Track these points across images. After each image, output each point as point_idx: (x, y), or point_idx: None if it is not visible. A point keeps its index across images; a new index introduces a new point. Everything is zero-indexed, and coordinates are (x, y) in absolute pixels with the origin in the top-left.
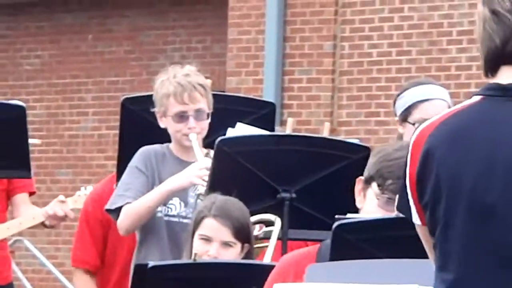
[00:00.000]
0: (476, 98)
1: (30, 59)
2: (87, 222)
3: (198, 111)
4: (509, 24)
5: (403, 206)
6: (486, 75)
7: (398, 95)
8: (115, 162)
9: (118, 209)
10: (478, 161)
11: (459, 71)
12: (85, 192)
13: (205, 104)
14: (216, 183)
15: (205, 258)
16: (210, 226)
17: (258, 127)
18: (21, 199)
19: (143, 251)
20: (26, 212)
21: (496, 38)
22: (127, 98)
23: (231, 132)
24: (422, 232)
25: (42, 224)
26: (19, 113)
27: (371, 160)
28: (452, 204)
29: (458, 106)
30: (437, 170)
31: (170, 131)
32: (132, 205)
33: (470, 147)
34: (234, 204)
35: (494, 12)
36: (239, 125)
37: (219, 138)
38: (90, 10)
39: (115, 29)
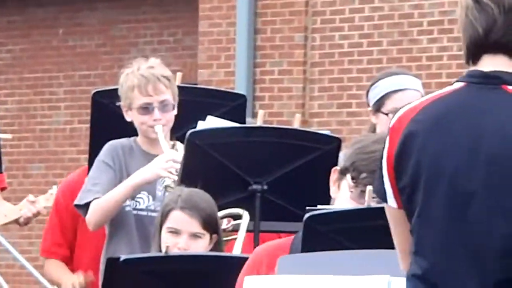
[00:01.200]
0: (459, 84)
1: (1, 53)
2: (58, 213)
3: (162, 103)
4: (491, 13)
5: (378, 189)
6: (467, 63)
7: (371, 85)
8: (87, 155)
9: (87, 205)
10: (460, 148)
11: (430, 61)
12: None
13: (170, 96)
14: (187, 176)
15: (175, 251)
16: (178, 218)
17: (229, 119)
18: None
19: (112, 245)
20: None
21: (478, 27)
22: (97, 92)
23: (201, 125)
24: (394, 215)
25: (16, 222)
26: None
27: (347, 151)
28: (431, 190)
29: (440, 92)
30: (417, 155)
31: (136, 123)
32: (100, 200)
33: (452, 133)
34: (200, 195)
35: (477, 1)
36: (209, 117)
37: (190, 131)
38: (61, 4)
39: (86, 23)
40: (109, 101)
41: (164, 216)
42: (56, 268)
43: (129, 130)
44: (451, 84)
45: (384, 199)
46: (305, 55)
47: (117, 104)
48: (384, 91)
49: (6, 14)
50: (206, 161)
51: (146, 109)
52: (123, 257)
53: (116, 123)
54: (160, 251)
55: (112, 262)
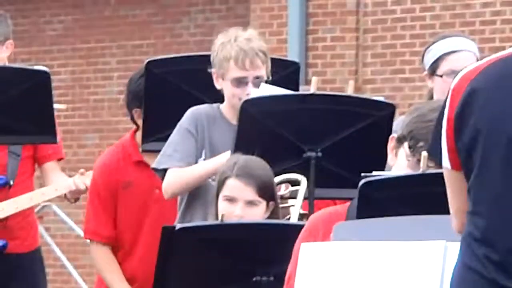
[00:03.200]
0: None
1: (53, 24)
2: (97, 192)
3: (257, 78)
4: None
5: (434, 150)
6: None
7: (426, 49)
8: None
9: (165, 170)
10: None
11: (484, 25)
12: None
13: (265, 71)
14: (242, 144)
15: (232, 218)
16: (234, 186)
17: (283, 87)
18: (51, 166)
19: (188, 216)
20: (55, 179)
21: None
22: (150, 61)
23: (255, 93)
24: (450, 176)
25: (65, 197)
26: (44, 78)
27: (406, 118)
28: (491, 149)
29: (502, 53)
30: (478, 114)
31: (226, 94)
32: (183, 171)
33: (510, 95)
34: (256, 163)
35: None
36: (263, 85)
37: (243, 99)
38: None
39: None
40: (162, 70)
41: (220, 184)
42: (104, 263)
43: (183, 99)
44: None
45: (439, 159)
46: (357, 22)
47: (209, 70)
48: (438, 53)
49: None
50: (260, 129)
51: (240, 82)
52: (178, 225)
53: (169, 93)
54: (217, 219)
55: (168, 231)
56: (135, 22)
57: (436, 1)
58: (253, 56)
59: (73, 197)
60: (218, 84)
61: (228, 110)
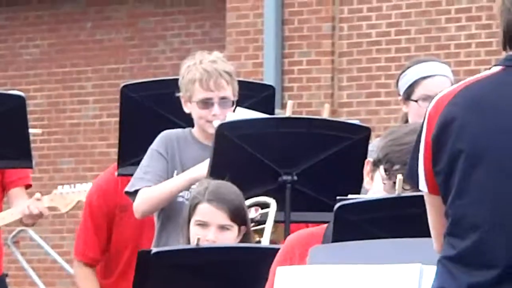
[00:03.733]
0: (497, 68)
1: (29, 48)
2: (91, 214)
3: (223, 99)
4: None
5: (411, 174)
6: (504, 49)
7: (401, 74)
8: (117, 149)
9: (137, 192)
10: (499, 129)
11: (459, 49)
12: (61, 191)
13: (231, 92)
14: (217, 167)
15: (204, 243)
16: (205, 211)
17: (258, 110)
18: (17, 192)
19: (164, 236)
20: (19, 205)
21: None
22: (126, 85)
23: (230, 116)
24: (428, 199)
25: (20, 221)
26: (19, 103)
27: (380, 142)
28: (470, 172)
29: (477, 76)
30: (455, 138)
31: (194, 117)
32: (152, 189)
33: (490, 115)
34: (228, 187)
35: None
36: (238, 109)
37: (219, 122)
38: None
39: (113, 16)
40: (138, 94)
41: (192, 209)
42: (85, 278)
43: (159, 123)
44: (488, 68)
45: (416, 183)
46: (333, 45)
47: (176, 95)
48: (413, 78)
49: (34, 8)
50: (235, 152)
51: (206, 103)
52: (154, 249)
53: (145, 116)
54: (189, 243)
55: (144, 255)
56: (110, 46)
57: (411, 25)
58: (217, 77)
59: (28, 222)
60: (186, 108)
61: (198, 131)
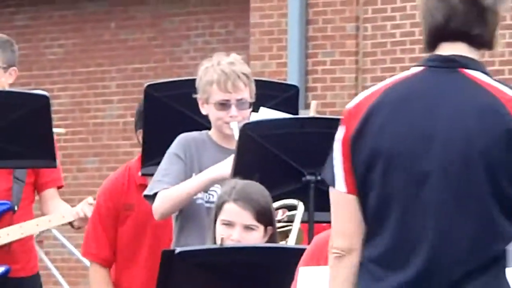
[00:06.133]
0: (418, 69)
1: (53, 48)
2: (99, 213)
3: (240, 100)
4: (451, 1)
5: (328, 174)
6: (427, 50)
7: None
8: (140, 148)
9: (156, 195)
10: (418, 130)
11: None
12: None
13: (248, 94)
14: (241, 167)
15: (229, 243)
16: (231, 210)
17: (282, 110)
18: (50, 194)
19: (183, 238)
20: (55, 207)
21: (438, 15)
22: (150, 85)
23: (255, 117)
24: (342, 199)
25: (70, 224)
26: (44, 102)
27: None
28: (388, 172)
29: (399, 76)
30: (375, 137)
31: (211, 118)
32: (171, 190)
33: (409, 116)
34: (254, 187)
35: None
36: (262, 109)
37: (243, 123)
38: None
39: (137, 16)
40: (162, 94)
41: (219, 208)
42: (100, 281)
43: (182, 123)
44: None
45: (332, 183)
46: (357, 45)
47: (194, 96)
48: None
49: (58, 8)
50: (259, 152)
51: (223, 105)
52: (178, 249)
53: (168, 116)
54: (215, 243)
55: (167, 255)
56: (135, 46)
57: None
58: (235, 79)
59: (80, 224)
60: (204, 109)
61: (216, 133)
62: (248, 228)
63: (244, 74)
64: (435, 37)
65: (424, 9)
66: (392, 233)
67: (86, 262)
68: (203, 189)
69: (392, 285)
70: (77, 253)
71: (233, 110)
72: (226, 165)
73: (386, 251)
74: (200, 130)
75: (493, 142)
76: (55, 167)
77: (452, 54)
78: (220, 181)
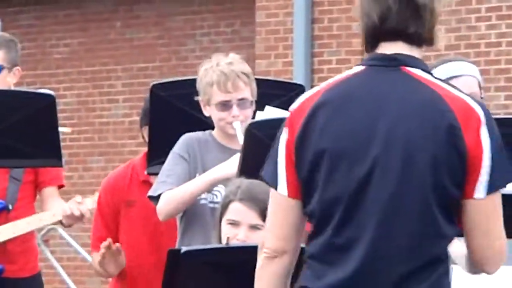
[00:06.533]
0: (359, 68)
1: (59, 47)
2: (100, 209)
3: (241, 100)
4: (386, 1)
5: (270, 176)
6: (366, 50)
7: None
8: (146, 148)
9: (160, 196)
10: (360, 129)
11: (489, 47)
12: None
13: (249, 93)
14: (247, 166)
15: (234, 242)
16: (237, 210)
17: (288, 109)
18: (50, 192)
19: (186, 238)
20: (52, 205)
21: (373, 15)
22: (156, 84)
23: (260, 115)
24: (281, 202)
25: (60, 222)
26: (49, 102)
27: None
28: (332, 173)
29: (340, 76)
30: (318, 139)
31: (213, 119)
32: (175, 191)
33: (351, 116)
34: (260, 186)
35: None
36: (268, 108)
37: (249, 122)
38: None
39: (142, 16)
40: (167, 94)
41: (224, 207)
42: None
43: (188, 122)
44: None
45: (275, 186)
46: (362, 44)
47: (195, 98)
48: (440, 78)
49: (63, 8)
50: (265, 151)
51: (224, 105)
52: (184, 248)
53: (174, 116)
54: (220, 243)
55: (173, 254)
56: (140, 45)
57: (441, 24)
58: (234, 79)
59: (68, 222)
60: (206, 111)
61: (219, 134)
62: (254, 227)
63: (243, 73)
64: (373, 37)
65: (360, 10)
66: (334, 231)
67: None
68: (207, 189)
69: (331, 282)
70: (83, 252)
71: (235, 110)
72: (229, 165)
73: (327, 248)
74: (206, 129)
75: (436, 139)
76: (61, 166)
77: (393, 52)
78: (224, 181)
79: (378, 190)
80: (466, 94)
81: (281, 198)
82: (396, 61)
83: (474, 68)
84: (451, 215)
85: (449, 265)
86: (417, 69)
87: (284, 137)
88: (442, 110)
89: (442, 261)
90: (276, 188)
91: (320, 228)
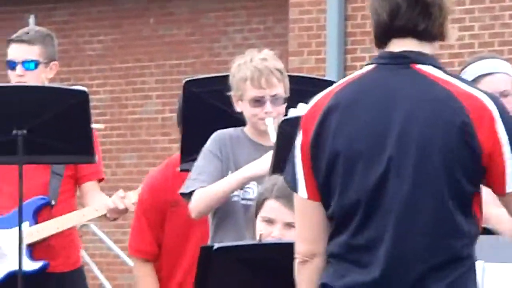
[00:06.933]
0: (369, 67)
1: (92, 44)
2: (143, 210)
3: (274, 96)
4: None
5: (290, 180)
6: (378, 47)
7: (461, 70)
8: (179, 144)
9: (192, 193)
10: (372, 130)
11: None
12: None
13: (282, 89)
14: (279, 164)
15: (269, 240)
16: (272, 207)
17: None
18: (90, 186)
19: (219, 235)
20: (93, 200)
21: (383, 13)
22: (189, 81)
23: (293, 112)
24: (305, 206)
25: (105, 216)
26: (82, 98)
27: None
28: (349, 173)
29: (351, 76)
30: (333, 140)
31: (246, 115)
32: (207, 188)
33: (364, 116)
34: None
35: None
36: (301, 105)
37: (282, 118)
38: None
39: (176, 12)
40: (200, 90)
41: (259, 205)
42: (144, 275)
43: (221, 119)
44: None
45: (295, 189)
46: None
47: (228, 94)
48: (474, 75)
49: (96, 4)
50: None
51: (258, 101)
52: (216, 245)
53: (207, 112)
54: (255, 239)
55: (206, 250)
56: (173, 41)
57: (475, 21)
58: (268, 75)
59: (112, 216)
60: (238, 106)
61: (251, 130)
62: (289, 225)
63: (277, 69)
64: (383, 35)
65: (371, 7)
66: (354, 231)
67: (125, 257)
68: (240, 187)
69: (355, 283)
70: (116, 248)
71: (268, 106)
72: (262, 163)
73: (349, 248)
74: (239, 126)
75: (448, 137)
76: (94, 162)
77: (403, 50)
78: (257, 178)
79: (395, 190)
80: (479, 89)
81: (302, 201)
82: (406, 59)
83: (507, 66)
84: (468, 210)
85: (473, 264)
86: (428, 66)
87: (299, 140)
88: (454, 107)
89: (463, 259)
90: (296, 191)
91: (340, 229)
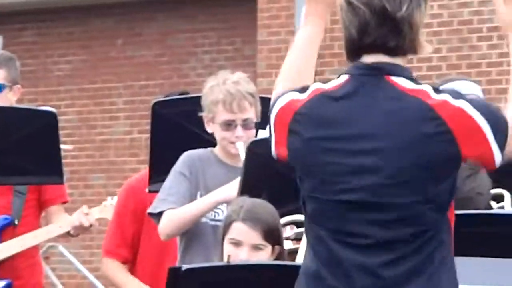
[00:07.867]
0: (345, 77)
1: (60, 64)
2: (118, 216)
3: (246, 121)
4: (363, 16)
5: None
6: (348, 59)
7: None
8: (147, 165)
9: (161, 213)
10: (346, 142)
11: (490, 67)
12: (111, 202)
13: (253, 114)
14: (248, 185)
15: (235, 261)
16: (239, 230)
17: None
18: (56, 210)
19: (188, 256)
20: (59, 220)
21: (352, 29)
22: (157, 102)
23: (262, 134)
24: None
25: (68, 233)
26: (51, 119)
27: None
28: (318, 186)
29: (327, 85)
30: (304, 150)
31: (217, 137)
32: (177, 211)
33: (337, 128)
34: (263, 206)
35: (349, 3)
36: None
37: (250, 140)
38: (119, 15)
39: (144, 33)
40: (169, 111)
41: (226, 227)
42: (117, 270)
43: (190, 139)
44: (338, 76)
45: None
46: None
47: (200, 114)
48: None
49: (65, 25)
50: (266, 170)
51: (229, 125)
52: (184, 266)
53: (175, 133)
54: (222, 261)
55: (174, 271)
56: (141, 62)
57: (443, 43)
58: (240, 99)
59: (76, 233)
60: (209, 128)
61: (221, 151)
62: (256, 247)
63: (249, 93)
64: (353, 51)
65: (341, 21)
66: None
67: (92, 278)
68: (209, 211)
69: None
70: (83, 270)
71: (239, 130)
72: (232, 188)
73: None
74: (207, 147)
75: (425, 148)
76: (62, 183)
77: (376, 61)
78: (228, 202)
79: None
80: (445, 92)
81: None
82: (380, 70)
83: (476, 87)
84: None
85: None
86: (400, 78)
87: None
88: (430, 118)
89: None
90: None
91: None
